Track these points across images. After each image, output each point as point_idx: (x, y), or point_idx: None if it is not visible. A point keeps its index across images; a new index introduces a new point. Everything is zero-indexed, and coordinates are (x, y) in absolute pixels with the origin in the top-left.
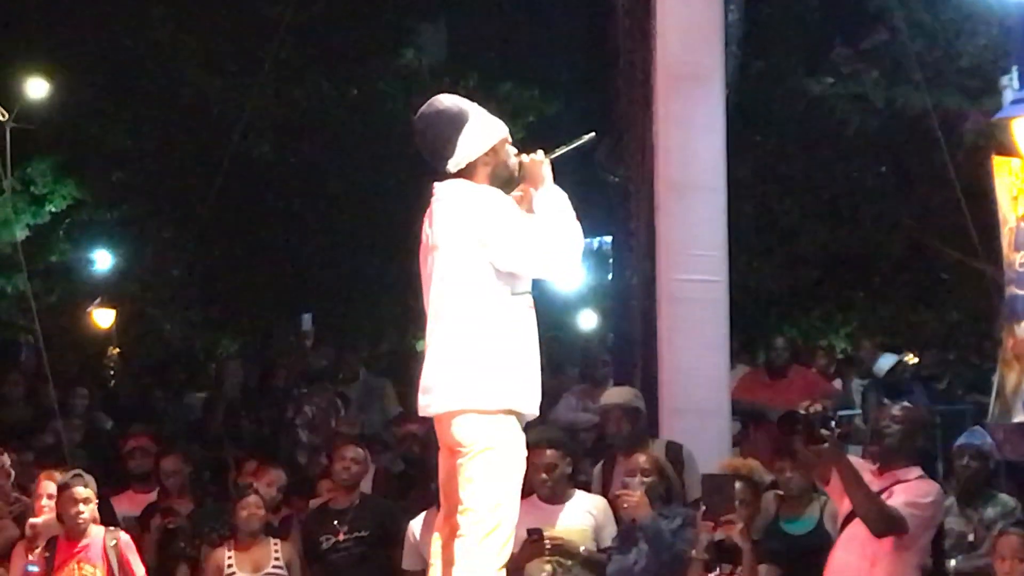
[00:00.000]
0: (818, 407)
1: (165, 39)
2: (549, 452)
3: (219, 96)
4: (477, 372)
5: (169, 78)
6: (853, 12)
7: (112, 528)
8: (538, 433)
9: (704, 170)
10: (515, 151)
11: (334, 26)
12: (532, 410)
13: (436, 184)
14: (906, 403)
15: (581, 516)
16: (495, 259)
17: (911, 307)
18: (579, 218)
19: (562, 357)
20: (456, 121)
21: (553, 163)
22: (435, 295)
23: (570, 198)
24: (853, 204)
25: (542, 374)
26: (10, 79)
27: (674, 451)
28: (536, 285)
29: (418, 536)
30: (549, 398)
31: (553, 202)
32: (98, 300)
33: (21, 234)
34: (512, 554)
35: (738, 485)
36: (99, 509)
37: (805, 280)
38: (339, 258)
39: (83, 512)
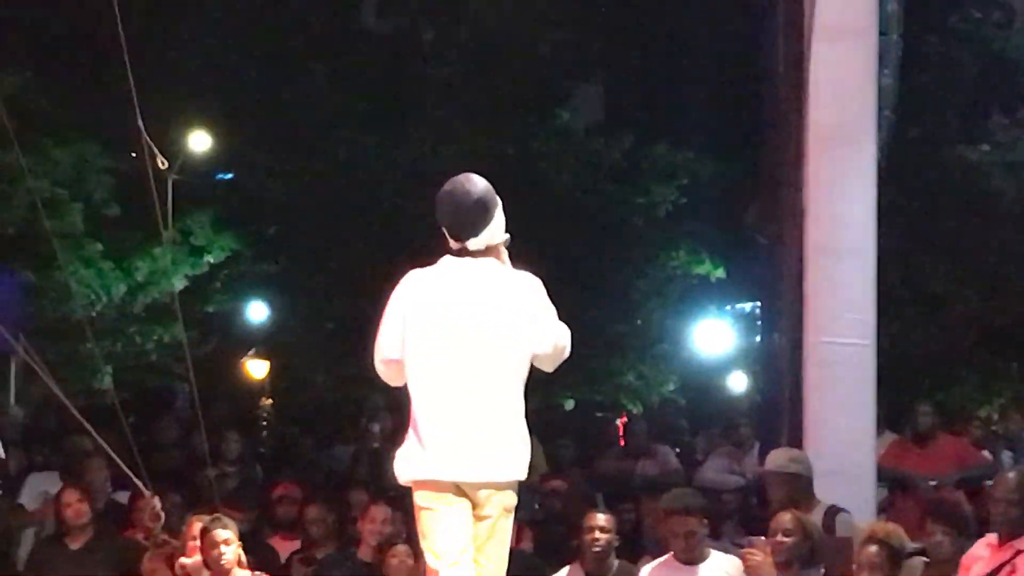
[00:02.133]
0: None
1: (324, 95)
2: (690, 519)
3: (374, 152)
4: (525, 445)
5: (326, 134)
6: (1011, 81)
7: (259, 573)
8: (678, 499)
9: (854, 233)
10: None
11: (491, 85)
12: None
13: (452, 258)
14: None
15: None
16: (536, 339)
17: None
18: (727, 280)
19: (707, 420)
20: (492, 205)
21: None
22: (484, 368)
23: (721, 262)
24: (1006, 273)
25: (687, 435)
26: (173, 132)
27: (830, 515)
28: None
29: None
30: (694, 460)
31: None
32: (252, 351)
33: (179, 284)
34: None
35: (873, 548)
36: (260, 552)
37: (956, 348)
38: None
39: (225, 554)
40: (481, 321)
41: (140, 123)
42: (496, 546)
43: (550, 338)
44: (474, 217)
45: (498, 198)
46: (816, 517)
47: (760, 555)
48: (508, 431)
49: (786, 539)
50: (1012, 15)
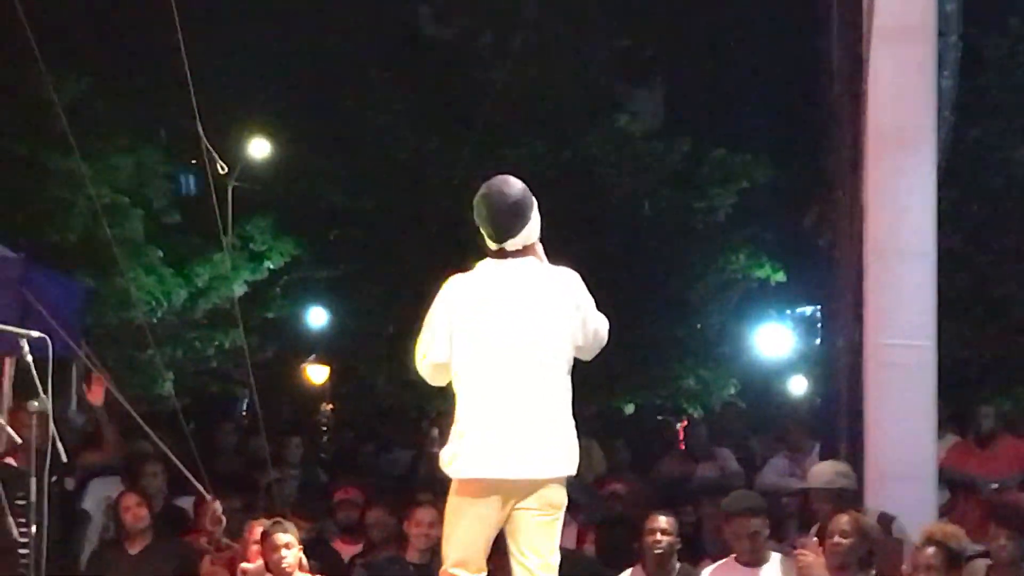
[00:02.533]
0: None
1: (384, 100)
2: (754, 520)
3: (434, 156)
4: (572, 441)
5: (386, 138)
6: None
7: None
8: (741, 501)
9: (913, 235)
10: None
11: (549, 89)
12: None
13: (493, 260)
14: None
15: None
16: (581, 336)
17: None
18: (787, 284)
19: (768, 423)
20: (530, 206)
21: None
22: (527, 359)
23: (781, 266)
24: None
25: (750, 440)
26: (233, 138)
27: (884, 522)
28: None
29: None
30: (755, 463)
31: None
32: (312, 356)
33: (239, 290)
34: None
35: (931, 550)
36: (325, 557)
37: (1019, 351)
38: None
39: (286, 557)
40: (523, 318)
41: (200, 130)
42: (544, 541)
43: (591, 329)
44: (512, 219)
45: (533, 198)
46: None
47: (811, 555)
48: (555, 426)
49: (843, 540)
50: None
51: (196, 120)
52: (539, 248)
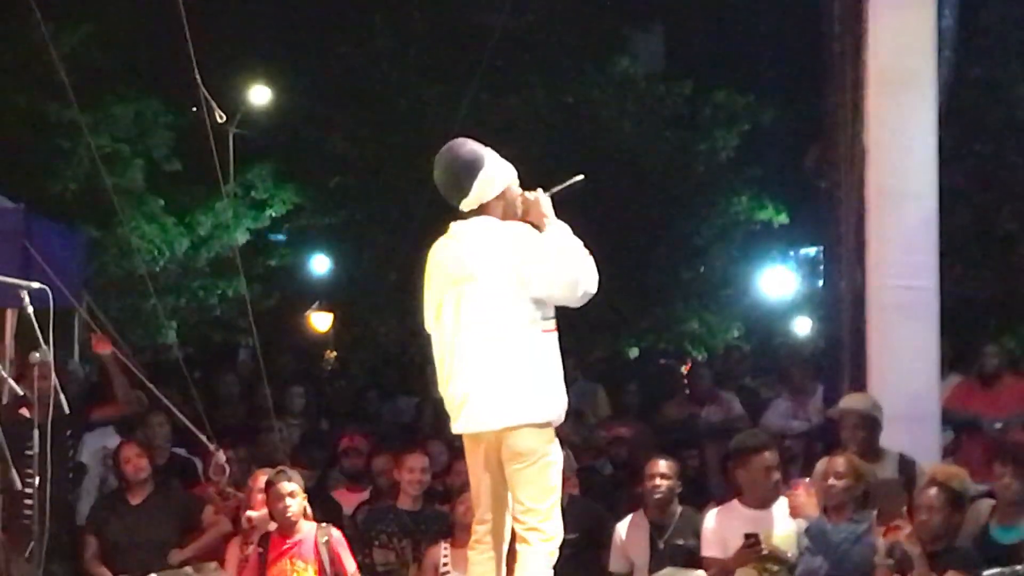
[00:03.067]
0: None
1: (385, 47)
2: (766, 455)
3: (436, 102)
4: (528, 390)
5: (387, 85)
6: None
7: (324, 524)
8: (750, 437)
9: (915, 176)
10: (520, 191)
11: (550, 34)
12: (561, 420)
13: (455, 223)
14: None
15: (786, 521)
16: (532, 286)
17: None
18: (790, 226)
19: (771, 365)
20: (472, 167)
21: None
22: (472, 322)
23: (783, 208)
24: None
25: (754, 382)
26: (234, 86)
27: (907, 466)
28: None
29: (624, 538)
30: (759, 405)
31: (563, 235)
32: (316, 304)
33: (241, 238)
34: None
35: (933, 491)
36: (325, 506)
37: (1022, 289)
38: None
39: (290, 506)
40: (469, 279)
41: (197, 77)
42: (521, 489)
43: (547, 279)
44: (455, 179)
45: (484, 154)
46: (890, 466)
47: (804, 495)
48: (503, 378)
49: (838, 482)
50: None
51: (194, 69)
52: (495, 211)
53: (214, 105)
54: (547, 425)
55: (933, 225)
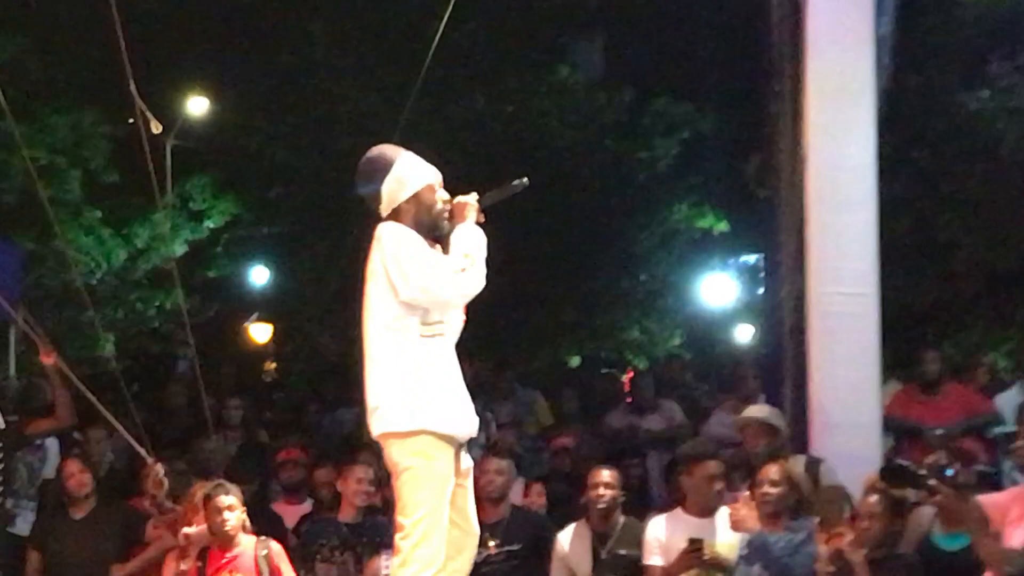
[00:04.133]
0: (933, 459)
1: (324, 56)
2: (710, 463)
3: (376, 111)
4: (391, 398)
5: (326, 94)
6: (1011, 26)
7: (263, 538)
8: (695, 447)
9: (854, 184)
10: (446, 196)
11: (490, 42)
12: (454, 429)
13: None
14: None
15: (729, 530)
16: (396, 290)
17: None
18: (730, 234)
19: (712, 373)
20: (380, 171)
21: (484, 206)
22: (363, 324)
23: (724, 216)
24: (1010, 219)
25: (696, 390)
26: (171, 96)
27: (812, 466)
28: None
29: (567, 548)
30: (700, 414)
31: (461, 240)
32: (255, 315)
33: (180, 250)
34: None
35: (874, 498)
36: (266, 520)
37: (963, 296)
38: (492, 274)
39: (228, 520)
40: (365, 287)
41: (133, 88)
42: (397, 503)
43: (409, 281)
44: (366, 184)
45: (395, 157)
46: (798, 467)
47: (744, 508)
48: (374, 386)
49: (772, 490)
50: None
51: (130, 79)
52: (407, 215)
53: (150, 116)
54: (412, 435)
55: (873, 232)
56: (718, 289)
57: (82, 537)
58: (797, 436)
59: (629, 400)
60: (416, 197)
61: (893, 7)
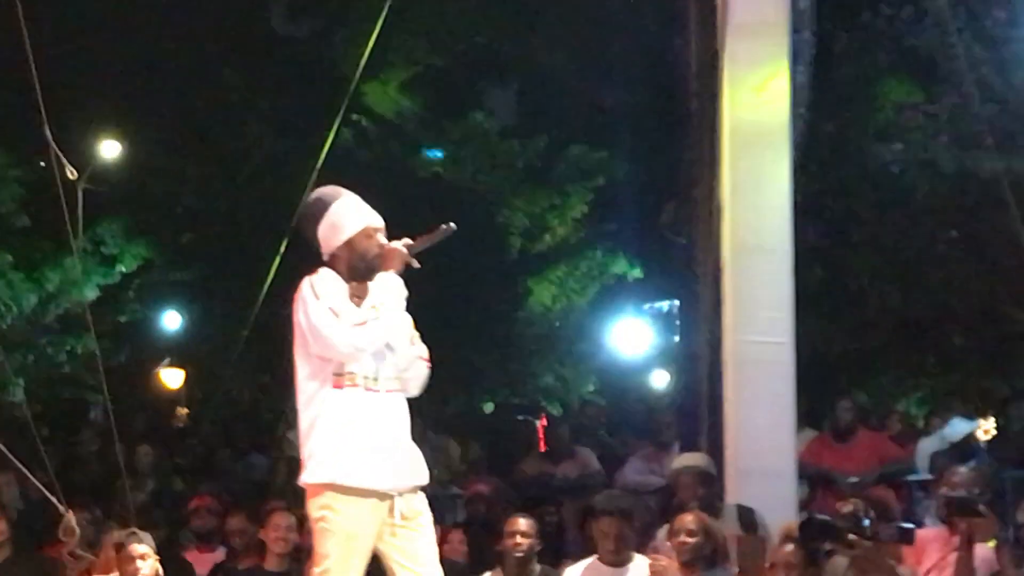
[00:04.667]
0: (849, 507)
1: (236, 100)
2: (620, 521)
3: (289, 157)
4: (304, 450)
5: (239, 139)
6: (924, 76)
7: None
8: (601, 501)
9: (770, 231)
10: (382, 241)
11: (404, 88)
12: (362, 483)
13: None
14: (973, 465)
15: None
16: (308, 342)
17: (982, 372)
18: (644, 280)
19: (627, 420)
20: (316, 216)
21: (413, 252)
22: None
23: (637, 261)
24: (924, 268)
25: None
26: (84, 139)
27: (746, 515)
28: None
29: None
30: (615, 461)
31: (376, 291)
32: (167, 360)
33: (91, 294)
34: None
35: (789, 547)
36: (176, 568)
37: (875, 344)
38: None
39: (141, 568)
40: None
41: (47, 132)
42: (315, 553)
43: (305, 333)
44: (303, 229)
45: (331, 201)
46: (731, 517)
47: (665, 560)
48: (301, 438)
49: (689, 539)
50: (923, 11)
51: (43, 123)
52: (342, 261)
53: (64, 161)
54: (318, 488)
55: (788, 280)
56: (632, 335)
57: None
58: None
59: (543, 447)
60: (349, 243)
61: (809, 57)
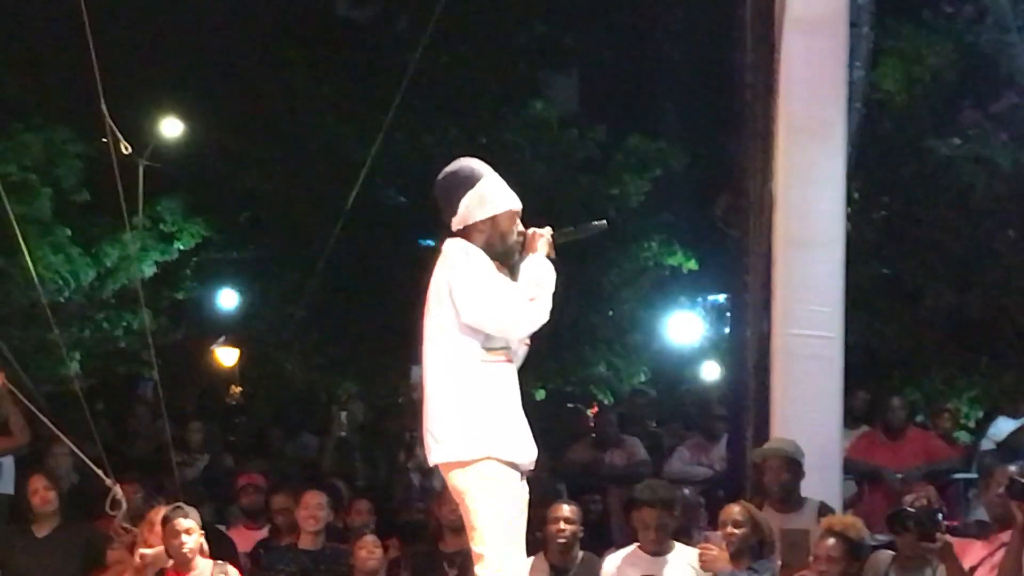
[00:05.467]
0: (923, 501)
1: (299, 82)
2: (662, 511)
3: (348, 140)
4: (453, 424)
5: (300, 121)
6: (983, 75)
7: (220, 562)
8: (651, 490)
9: (822, 226)
10: (521, 227)
11: (466, 74)
12: (517, 456)
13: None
14: (1013, 468)
15: (683, 569)
16: (459, 311)
17: None
18: (700, 272)
19: (677, 411)
20: (463, 184)
21: (558, 242)
22: (425, 344)
23: (692, 253)
24: (979, 267)
25: (659, 427)
26: (146, 117)
27: (826, 513)
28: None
29: None
30: (663, 451)
31: (531, 271)
32: (222, 339)
33: (148, 271)
34: None
35: (831, 541)
36: (219, 544)
37: (929, 342)
38: None
39: (186, 543)
40: (426, 304)
41: (103, 107)
42: (469, 531)
43: (470, 303)
44: (445, 193)
45: (481, 177)
46: (810, 514)
47: (715, 550)
48: (440, 410)
49: (736, 531)
50: (984, 9)
51: (100, 99)
52: (480, 235)
53: (119, 136)
54: (478, 462)
55: (839, 275)
56: (685, 327)
57: (44, 555)
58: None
59: (592, 435)
60: (494, 220)
61: (867, 52)
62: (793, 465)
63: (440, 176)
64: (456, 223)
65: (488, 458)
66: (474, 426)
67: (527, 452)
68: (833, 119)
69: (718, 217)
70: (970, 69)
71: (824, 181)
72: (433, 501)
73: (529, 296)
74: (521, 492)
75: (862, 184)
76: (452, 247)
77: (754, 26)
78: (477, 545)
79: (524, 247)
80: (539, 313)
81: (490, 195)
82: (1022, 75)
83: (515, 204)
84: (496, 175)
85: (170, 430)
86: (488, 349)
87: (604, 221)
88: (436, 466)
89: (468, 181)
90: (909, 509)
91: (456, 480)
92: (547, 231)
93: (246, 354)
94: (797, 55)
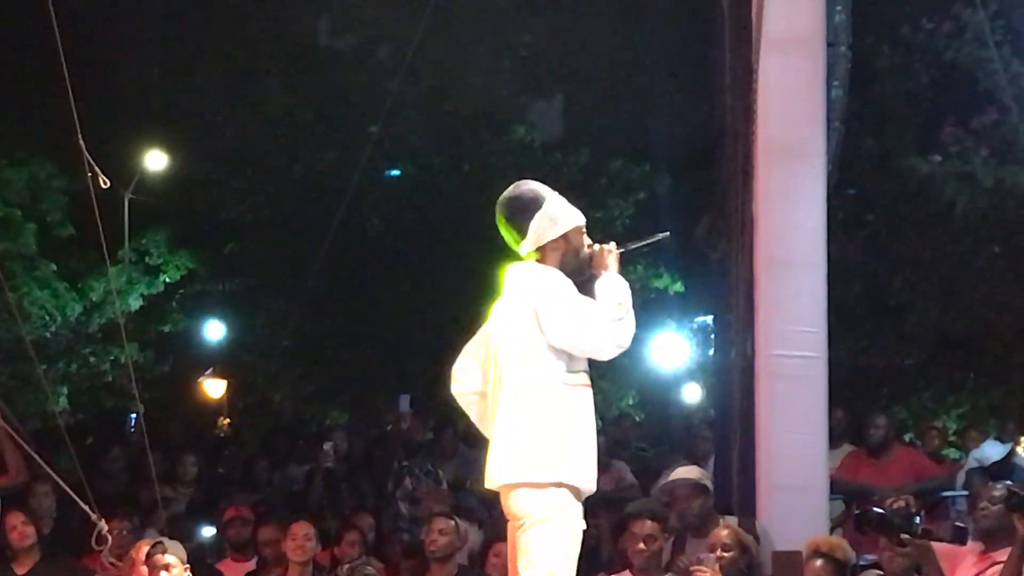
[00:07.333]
0: (901, 503)
1: (280, 112)
2: (649, 523)
3: (331, 168)
4: (529, 446)
5: (282, 150)
6: (963, 92)
7: None
8: (639, 505)
9: (804, 246)
10: (588, 241)
11: (447, 100)
12: (586, 484)
13: (510, 267)
14: (1008, 483)
15: None
16: (547, 334)
17: (1023, 389)
18: (685, 295)
19: (664, 434)
20: (530, 206)
21: (624, 256)
22: (498, 367)
23: (678, 275)
24: (964, 284)
25: (647, 451)
26: (130, 150)
27: (747, 527)
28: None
29: None
30: (652, 473)
31: (612, 289)
32: (210, 370)
33: (135, 304)
34: None
35: (819, 562)
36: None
37: (915, 360)
38: (443, 332)
39: None
40: (498, 327)
41: (80, 141)
42: (520, 557)
43: (556, 325)
44: (511, 220)
45: (545, 197)
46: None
47: (708, 572)
48: (510, 432)
49: (725, 554)
50: (963, 26)
51: (78, 133)
52: (554, 255)
53: (97, 171)
54: (550, 487)
55: (822, 295)
56: (671, 349)
57: None
58: (744, 498)
59: None
60: (566, 237)
61: (845, 71)
62: (701, 490)
63: (502, 204)
64: (528, 246)
65: (561, 484)
66: (552, 449)
67: (593, 480)
68: (812, 139)
69: (700, 239)
70: (950, 85)
71: (804, 201)
72: (420, 531)
73: (615, 316)
74: (580, 524)
75: (845, 203)
76: (527, 271)
77: (734, 48)
78: (525, 569)
79: (592, 262)
80: (627, 332)
81: (559, 213)
82: (1001, 91)
83: (581, 219)
84: (556, 192)
85: (159, 463)
86: (571, 372)
87: (667, 232)
88: (499, 488)
89: (534, 204)
90: (876, 510)
91: (521, 502)
92: (612, 245)
93: (233, 385)
94: (775, 76)
